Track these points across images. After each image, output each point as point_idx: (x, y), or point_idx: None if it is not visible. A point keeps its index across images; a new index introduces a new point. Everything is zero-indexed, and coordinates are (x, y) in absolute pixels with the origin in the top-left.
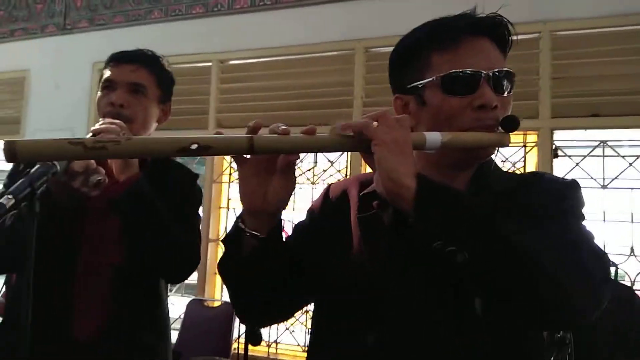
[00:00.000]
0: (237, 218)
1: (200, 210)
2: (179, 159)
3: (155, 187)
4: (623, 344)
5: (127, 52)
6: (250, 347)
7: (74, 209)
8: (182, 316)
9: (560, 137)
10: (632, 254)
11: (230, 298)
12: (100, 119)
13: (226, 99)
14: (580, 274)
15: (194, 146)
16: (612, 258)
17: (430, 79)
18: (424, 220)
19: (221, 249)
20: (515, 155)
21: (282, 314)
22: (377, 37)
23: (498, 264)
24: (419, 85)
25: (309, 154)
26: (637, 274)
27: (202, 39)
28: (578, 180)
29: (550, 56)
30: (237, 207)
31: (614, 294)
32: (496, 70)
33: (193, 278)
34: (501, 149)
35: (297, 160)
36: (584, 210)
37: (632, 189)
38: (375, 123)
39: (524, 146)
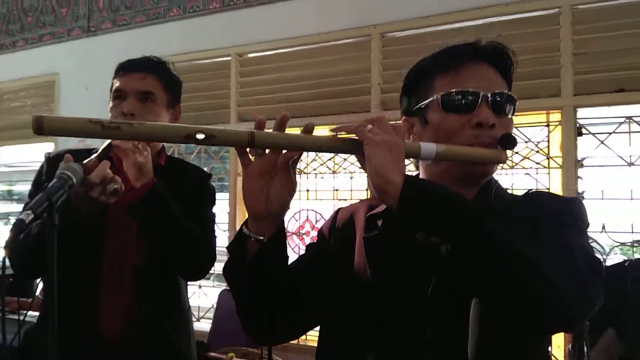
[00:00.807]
0: (241, 225)
1: (225, 204)
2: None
3: (171, 187)
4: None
5: (134, 61)
6: None
7: (95, 216)
8: (215, 305)
9: (584, 114)
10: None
11: (237, 309)
12: None
13: (246, 92)
14: (568, 274)
15: (200, 135)
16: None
17: (431, 99)
18: (408, 213)
19: None
20: (538, 135)
21: (289, 330)
22: (392, 21)
23: (481, 256)
24: (422, 106)
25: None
26: None
27: (220, 33)
28: (604, 157)
29: (571, 31)
30: None
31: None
32: (495, 92)
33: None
34: (524, 130)
35: (298, 160)
36: (588, 229)
37: None
38: (369, 126)
39: (547, 125)
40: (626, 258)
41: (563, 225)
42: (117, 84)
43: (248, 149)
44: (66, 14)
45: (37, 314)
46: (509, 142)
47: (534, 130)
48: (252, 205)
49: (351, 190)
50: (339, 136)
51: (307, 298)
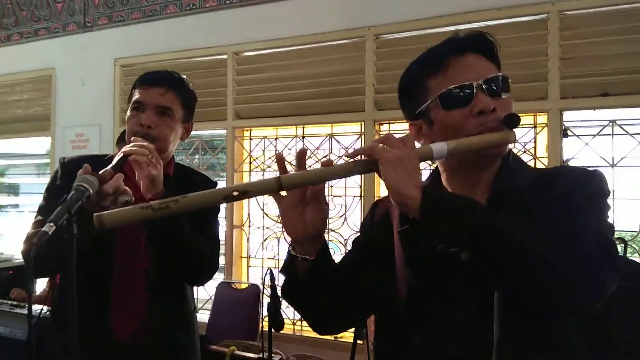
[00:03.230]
0: (289, 247)
1: (222, 205)
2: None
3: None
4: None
5: (156, 74)
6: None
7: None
8: (213, 297)
9: (570, 117)
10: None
11: (303, 318)
12: (132, 139)
13: (243, 90)
14: (581, 263)
15: (235, 193)
16: (621, 235)
17: (430, 100)
18: (429, 226)
19: (244, 234)
20: (525, 137)
21: (353, 321)
22: (387, 23)
23: (498, 260)
24: (424, 109)
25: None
26: None
27: (216, 31)
28: (588, 158)
29: (558, 37)
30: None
31: (628, 269)
32: (487, 77)
33: (221, 262)
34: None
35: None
36: (608, 197)
37: None
38: (381, 145)
39: (534, 127)
40: None
41: (579, 204)
42: (136, 95)
43: None
44: (62, 9)
45: (39, 307)
46: (513, 120)
47: (521, 132)
48: (292, 233)
49: (345, 186)
50: (355, 160)
51: (359, 290)
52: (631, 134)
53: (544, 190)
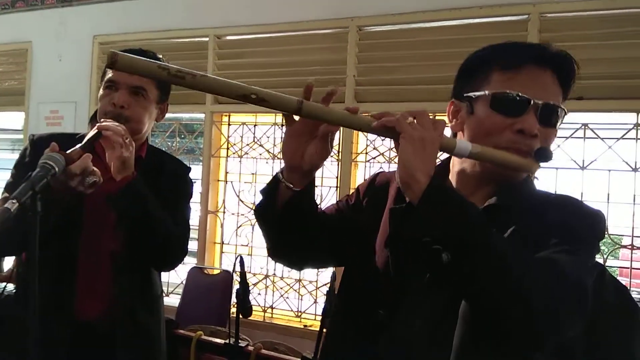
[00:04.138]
0: (277, 172)
1: (197, 190)
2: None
3: (149, 180)
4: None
5: (130, 53)
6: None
7: (73, 203)
8: (184, 282)
9: None
10: (606, 232)
11: (265, 242)
12: (102, 120)
13: (222, 75)
14: (553, 307)
15: (253, 96)
16: None
17: (483, 92)
18: (422, 216)
19: (219, 220)
20: None
21: (312, 263)
22: (370, 15)
23: (472, 274)
24: (473, 96)
25: None
26: (610, 252)
27: (199, 13)
28: (560, 160)
29: (537, 38)
30: (234, 181)
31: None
32: (548, 103)
33: (193, 247)
34: None
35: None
36: (600, 242)
37: (609, 170)
38: (411, 118)
39: None
40: None
41: (573, 244)
42: (109, 74)
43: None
44: None
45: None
46: (545, 156)
47: None
48: (288, 158)
49: (322, 177)
50: (380, 121)
51: (332, 240)
52: (602, 138)
53: (542, 216)
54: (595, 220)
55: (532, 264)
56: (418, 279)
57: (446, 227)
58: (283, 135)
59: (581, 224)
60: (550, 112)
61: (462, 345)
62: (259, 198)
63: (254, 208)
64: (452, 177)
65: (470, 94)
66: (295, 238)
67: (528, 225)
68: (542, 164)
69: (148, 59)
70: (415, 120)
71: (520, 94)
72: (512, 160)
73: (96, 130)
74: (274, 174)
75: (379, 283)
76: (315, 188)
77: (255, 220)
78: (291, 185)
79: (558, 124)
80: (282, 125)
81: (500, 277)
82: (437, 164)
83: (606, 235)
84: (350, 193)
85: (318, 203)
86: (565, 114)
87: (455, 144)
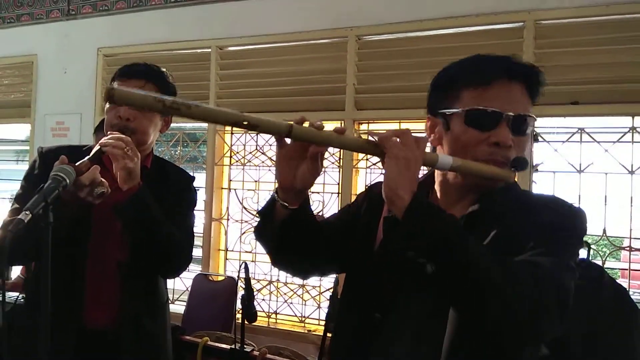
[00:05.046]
0: (273, 192)
1: (202, 198)
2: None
3: (155, 189)
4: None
5: (135, 67)
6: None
7: (81, 213)
8: (190, 289)
9: (540, 123)
10: (604, 235)
11: (267, 254)
12: (109, 133)
13: (225, 85)
14: (533, 309)
15: (245, 122)
16: (586, 239)
17: (456, 110)
18: (406, 231)
19: (223, 227)
20: None
21: (315, 273)
22: (368, 25)
23: (456, 284)
24: (447, 113)
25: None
26: (608, 254)
27: (201, 25)
28: (557, 164)
29: (533, 45)
30: (238, 188)
31: (587, 274)
32: (519, 114)
33: (198, 254)
34: None
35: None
36: (584, 238)
37: (606, 173)
38: (394, 138)
39: None
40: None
41: (555, 243)
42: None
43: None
44: None
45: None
46: (520, 164)
47: None
48: (281, 179)
49: (324, 183)
50: (366, 139)
51: (334, 249)
52: (598, 142)
53: (523, 219)
54: (576, 218)
55: (511, 269)
56: (409, 284)
57: (428, 241)
58: (275, 158)
59: (562, 223)
60: (522, 122)
61: (451, 347)
62: (262, 205)
63: (253, 229)
64: (437, 187)
65: (445, 110)
66: (296, 253)
67: (509, 228)
68: (540, 169)
69: (144, 92)
70: (399, 140)
71: (492, 109)
72: (491, 172)
73: (98, 147)
74: (270, 194)
75: (375, 287)
76: (311, 204)
77: None
78: (287, 205)
79: (528, 130)
80: None
81: (480, 284)
82: (424, 174)
83: (605, 237)
84: (352, 201)
85: (320, 209)
86: (535, 120)
87: (438, 159)
